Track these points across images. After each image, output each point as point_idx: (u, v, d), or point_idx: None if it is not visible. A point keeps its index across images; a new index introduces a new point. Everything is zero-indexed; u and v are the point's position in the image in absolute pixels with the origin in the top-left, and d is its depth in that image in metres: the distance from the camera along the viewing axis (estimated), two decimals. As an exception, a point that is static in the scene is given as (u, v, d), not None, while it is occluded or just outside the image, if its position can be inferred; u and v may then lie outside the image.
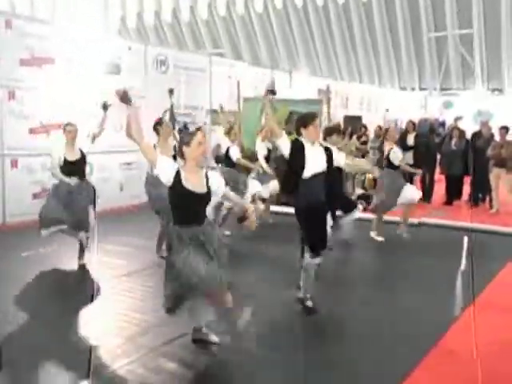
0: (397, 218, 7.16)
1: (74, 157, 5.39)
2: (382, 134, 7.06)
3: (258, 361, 3.50)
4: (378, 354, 3.61)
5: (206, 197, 3.42)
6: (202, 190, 3.38)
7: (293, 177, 4.24)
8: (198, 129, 4.80)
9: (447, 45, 20.12)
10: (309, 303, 4.33)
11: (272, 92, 4.31)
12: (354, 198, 9.62)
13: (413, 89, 21.72)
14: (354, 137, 10.75)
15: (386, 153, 6.90)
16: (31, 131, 7.79)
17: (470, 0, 18.53)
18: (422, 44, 20.57)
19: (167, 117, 8.82)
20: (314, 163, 4.15)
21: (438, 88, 21.32)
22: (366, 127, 11.65)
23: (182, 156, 3.43)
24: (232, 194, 3.80)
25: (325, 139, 5.52)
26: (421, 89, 21.73)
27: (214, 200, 3.63)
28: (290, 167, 4.30)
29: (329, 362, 3.48)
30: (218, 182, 3.51)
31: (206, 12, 23.02)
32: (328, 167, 4.23)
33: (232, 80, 10.52)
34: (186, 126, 9.47)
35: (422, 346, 3.68)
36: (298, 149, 4.17)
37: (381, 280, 5.44)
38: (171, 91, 7.21)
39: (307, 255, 4.29)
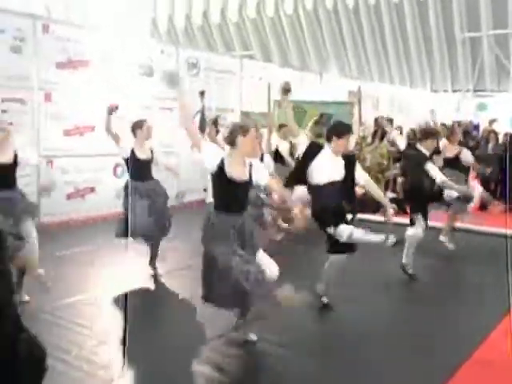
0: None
1: (144, 155, 5.19)
2: (447, 135, 6.80)
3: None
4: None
5: (246, 185, 3.42)
6: (244, 177, 3.38)
7: (297, 173, 4.42)
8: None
9: (481, 46, 19.68)
10: (324, 299, 4.47)
11: (287, 91, 4.32)
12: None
13: (445, 91, 21.32)
14: (385, 140, 10.64)
15: (448, 154, 6.59)
16: (66, 133, 7.96)
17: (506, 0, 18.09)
18: (455, 45, 20.17)
19: (198, 118, 8.89)
20: (331, 171, 4.24)
21: (471, 90, 20.86)
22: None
23: (233, 144, 3.38)
24: (277, 185, 3.73)
25: (419, 141, 5.50)
26: (453, 91, 21.30)
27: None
28: (298, 164, 4.45)
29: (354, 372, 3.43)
30: (261, 172, 3.50)
31: (236, 14, 23.10)
32: (346, 177, 4.30)
33: (263, 82, 10.52)
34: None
35: (458, 356, 3.59)
36: (312, 150, 4.26)
37: (414, 287, 5.35)
38: (202, 93, 7.23)
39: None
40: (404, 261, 5.44)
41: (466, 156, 6.65)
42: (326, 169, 4.23)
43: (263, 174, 3.55)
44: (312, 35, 22.34)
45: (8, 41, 7.19)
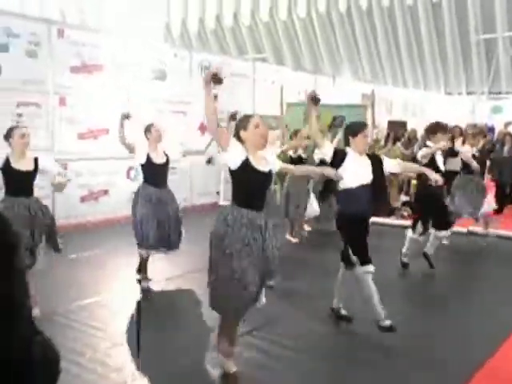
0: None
1: (159, 160, 5.10)
2: (465, 136, 6.72)
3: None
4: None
5: (270, 176, 3.44)
6: (266, 168, 3.38)
7: (330, 182, 4.34)
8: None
9: (497, 47, 19.46)
10: (343, 312, 4.32)
11: (316, 100, 4.08)
12: (398, 204, 9.43)
13: (459, 93, 21.12)
14: (399, 143, 10.57)
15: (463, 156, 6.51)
16: (80, 136, 8.02)
17: (522, 1, 17.89)
18: (470, 47, 19.98)
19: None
20: (359, 174, 4.09)
21: (486, 92, 20.64)
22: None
23: (240, 140, 3.37)
24: (290, 167, 3.92)
25: (428, 139, 5.50)
26: (468, 93, 21.09)
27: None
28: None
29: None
30: (273, 161, 3.53)
31: (249, 18, 23.15)
32: (375, 177, 4.14)
33: (275, 85, 10.52)
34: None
35: (470, 364, 3.53)
36: (338, 157, 4.15)
37: (433, 290, 5.31)
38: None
39: (357, 264, 4.11)
40: (403, 250, 5.76)
41: (465, 154, 6.50)
42: (356, 171, 4.09)
43: (275, 162, 3.58)
44: (325, 38, 22.30)
45: (23, 45, 7.28)
